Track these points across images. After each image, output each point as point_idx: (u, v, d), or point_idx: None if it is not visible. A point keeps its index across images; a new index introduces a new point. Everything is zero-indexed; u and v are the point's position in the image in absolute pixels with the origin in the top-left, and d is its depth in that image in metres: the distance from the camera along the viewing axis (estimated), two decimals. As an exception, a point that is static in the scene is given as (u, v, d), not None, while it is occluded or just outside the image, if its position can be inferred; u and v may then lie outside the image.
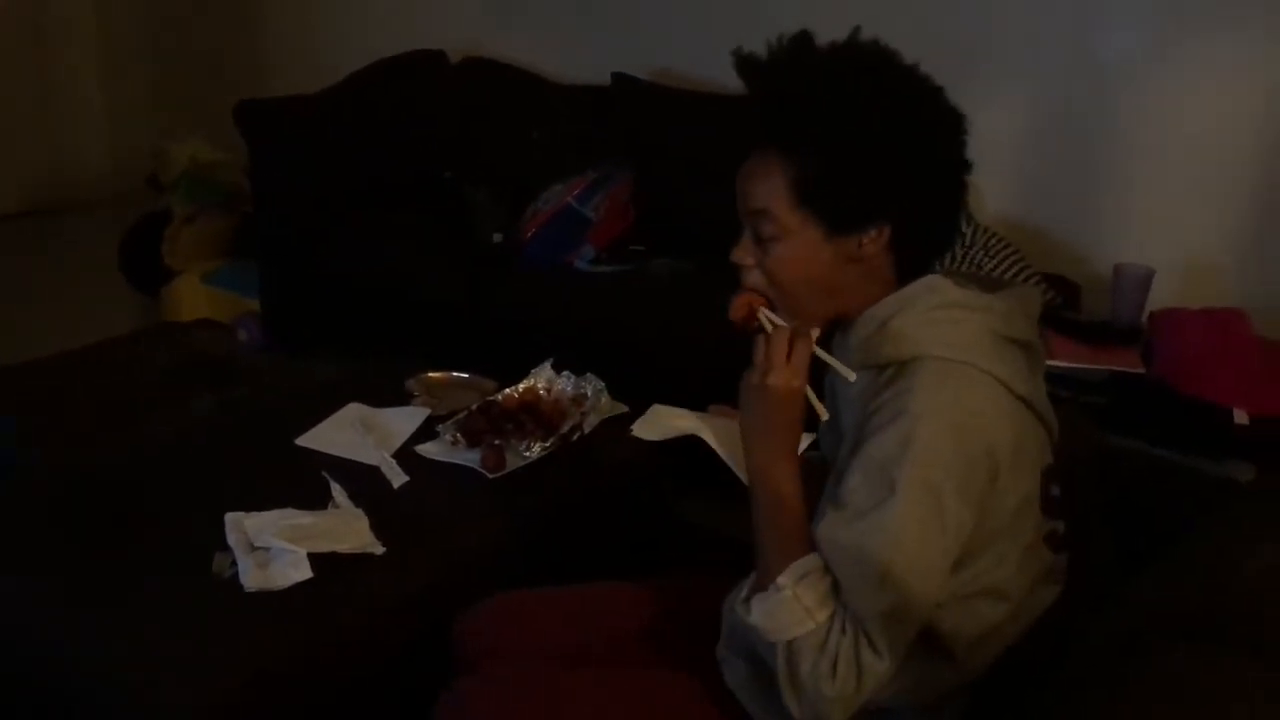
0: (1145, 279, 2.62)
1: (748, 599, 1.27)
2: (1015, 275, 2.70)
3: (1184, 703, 0.88)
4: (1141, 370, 2.45)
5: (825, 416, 1.33)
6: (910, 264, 1.32)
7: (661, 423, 1.51)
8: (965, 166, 1.30)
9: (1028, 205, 3.02)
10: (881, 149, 1.24)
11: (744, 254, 1.33)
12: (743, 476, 1.38)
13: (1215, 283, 2.76)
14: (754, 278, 1.33)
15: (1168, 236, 2.78)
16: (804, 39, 1.28)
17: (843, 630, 1.19)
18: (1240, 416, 2.30)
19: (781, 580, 1.22)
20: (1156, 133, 2.82)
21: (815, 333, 1.32)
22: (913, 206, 1.28)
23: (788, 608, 1.21)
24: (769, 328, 1.32)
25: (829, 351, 1.34)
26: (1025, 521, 1.30)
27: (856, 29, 1.31)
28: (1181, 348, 2.44)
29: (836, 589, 1.21)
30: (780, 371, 1.27)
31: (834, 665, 1.18)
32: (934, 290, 1.30)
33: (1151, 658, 0.96)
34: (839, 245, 1.28)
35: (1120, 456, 1.50)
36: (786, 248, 1.29)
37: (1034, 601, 1.33)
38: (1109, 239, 2.87)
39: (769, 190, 1.28)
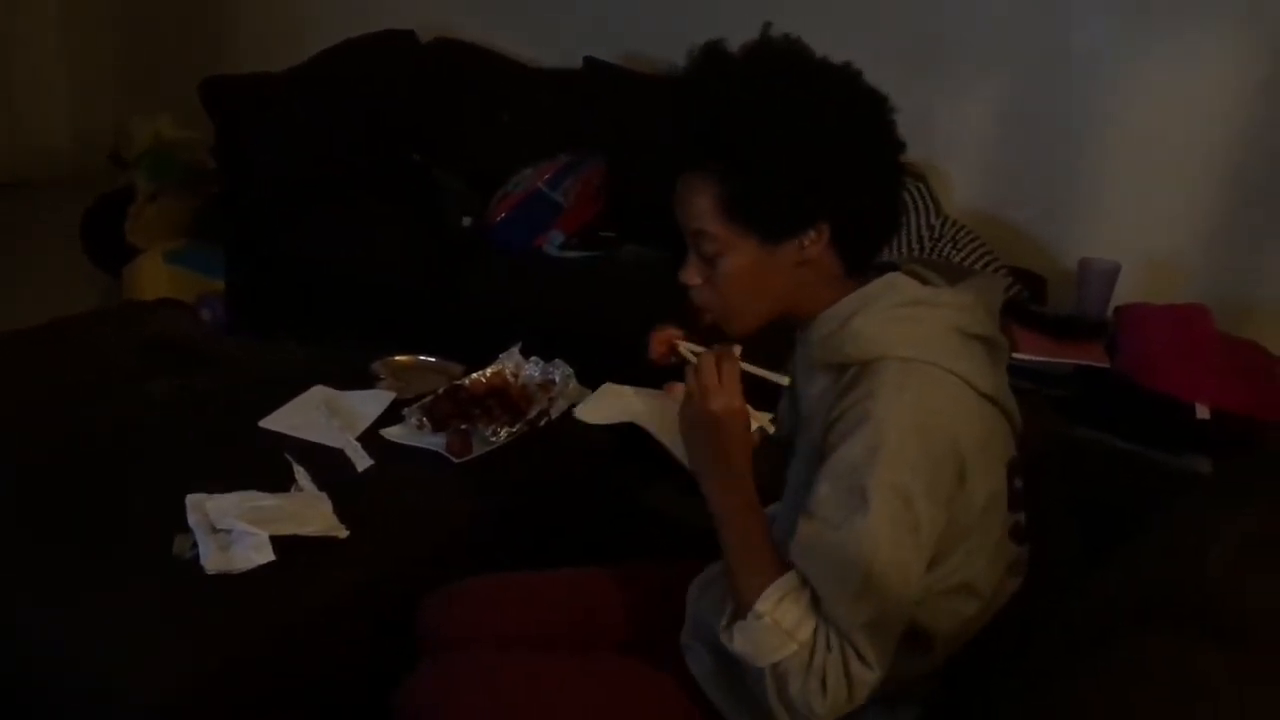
0: (1111, 273, 2.64)
1: (729, 625, 1.26)
2: (983, 268, 2.71)
3: (1154, 689, 0.89)
4: (1106, 364, 2.47)
5: (785, 381, 1.33)
6: (856, 256, 1.32)
7: (606, 405, 1.50)
8: (896, 147, 1.29)
9: (995, 199, 3.04)
10: (801, 150, 1.23)
11: (691, 274, 1.33)
12: (684, 460, 1.36)
13: (1180, 278, 2.78)
14: (704, 296, 1.33)
15: (1134, 232, 2.81)
16: (713, 50, 1.28)
17: (828, 646, 1.19)
18: (1202, 411, 2.33)
19: (760, 607, 1.21)
20: (1124, 129, 2.84)
21: (737, 349, 1.32)
22: (846, 200, 1.27)
23: (768, 634, 1.20)
24: (692, 359, 1.32)
25: (790, 351, 1.34)
26: (993, 517, 1.31)
27: (767, 25, 1.30)
28: (1145, 342, 2.46)
29: (816, 603, 1.21)
30: (717, 395, 1.26)
31: (823, 682, 1.18)
32: (894, 288, 1.30)
33: (1118, 646, 0.97)
34: (780, 252, 1.28)
35: (1083, 448, 1.51)
36: (729, 262, 1.29)
37: (1000, 593, 1.34)
38: (1075, 233, 2.90)
39: (701, 209, 1.28)
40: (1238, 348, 2.54)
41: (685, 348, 1.35)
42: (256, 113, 3.37)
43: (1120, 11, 2.81)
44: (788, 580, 1.22)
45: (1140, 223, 2.82)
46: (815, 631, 1.19)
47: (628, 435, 1.66)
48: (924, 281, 1.34)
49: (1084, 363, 2.45)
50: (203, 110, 3.35)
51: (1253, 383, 2.43)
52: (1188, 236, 2.79)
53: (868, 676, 1.18)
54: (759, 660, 1.21)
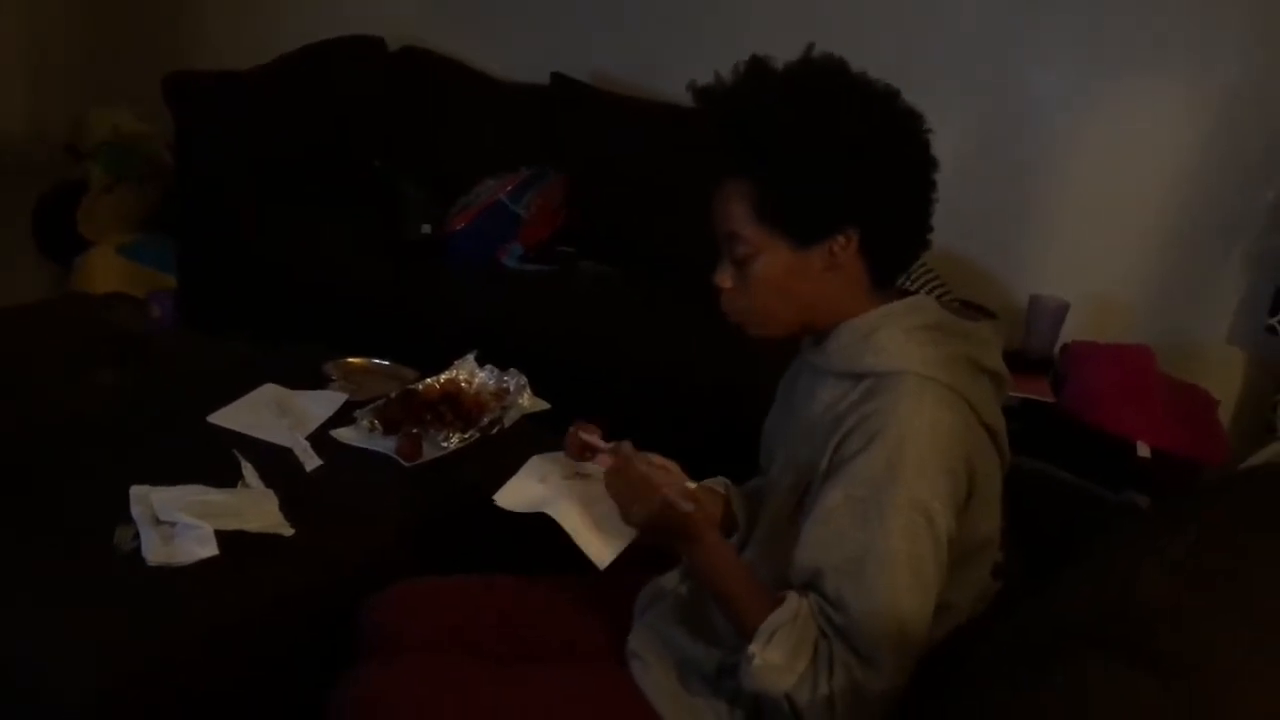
0: (1059, 311, 2.69)
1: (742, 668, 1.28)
2: (938, 296, 2.75)
3: (1083, 713, 0.91)
4: (1051, 399, 2.52)
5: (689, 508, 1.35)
6: (884, 269, 1.35)
7: (524, 491, 1.52)
8: (928, 165, 1.32)
9: (950, 232, 3.03)
10: (833, 155, 1.26)
11: (724, 277, 1.36)
12: (593, 557, 1.42)
13: (1126, 319, 2.84)
14: (734, 299, 1.36)
15: (1083, 271, 2.86)
16: (758, 64, 1.31)
17: (830, 668, 1.21)
18: (1143, 450, 2.38)
19: (751, 649, 1.24)
20: (1077, 170, 2.90)
21: (627, 443, 1.40)
22: (876, 207, 1.29)
23: (763, 673, 1.22)
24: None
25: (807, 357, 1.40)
26: (988, 553, 1.35)
27: (810, 46, 1.33)
28: (1091, 380, 2.51)
29: (823, 622, 1.23)
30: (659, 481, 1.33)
31: (830, 704, 1.20)
32: (920, 309, 1.33)
33: (1054, 672, 0.98)
34: (810, 256, 1.30)
35: (1026, 479, 1.53)
36: (760, 265, 1.31)
37: (969, 617, 1.36)
38: (1026, 270, 2.95)
39: (736, 213, 1.31)
40: (1180, 390, 2.60)
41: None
42: (218, 109, 3.35)
43: (1076, 58, 2.87)
44: (777, 616, 1.24)
45: (1089, 263, 2.88)
46: (814, 658, 1.21)
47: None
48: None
49: (1029, 396, 2.49)
50: (163, 105, 3.32)
51: (1193, 425, 2.49)
52: (1135, 278, 2.85)
53: (879, 686, 1.20)
54: (772, 692, 1.23)
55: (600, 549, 1.42)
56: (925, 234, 1.37)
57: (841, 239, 1.29)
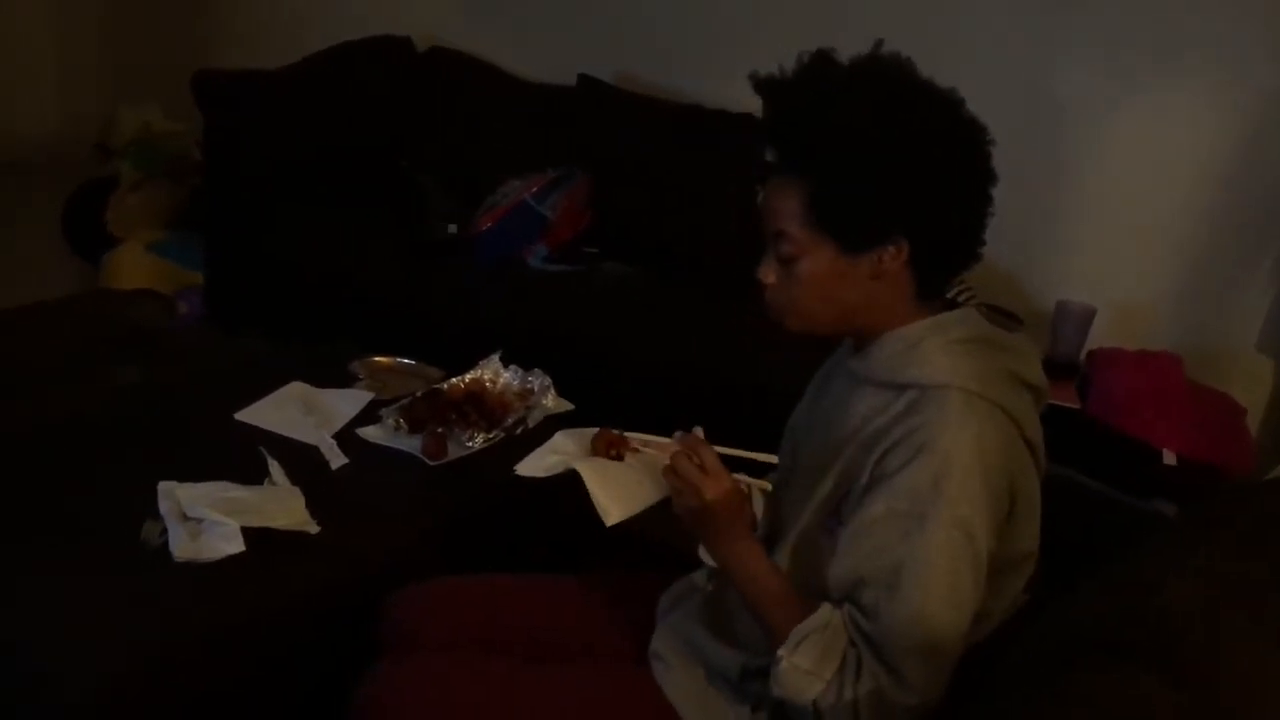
0: (1086, 316, 2.67)
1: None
2: (964, 303, 2.74)
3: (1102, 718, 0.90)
4: (1077, 406, 2.50)
5: (771, 459, 1.37)
6: (931, 280, 1.32)
7: (547, 460, 1.54)
8: (987, 178, 1.29)
9: None
10: (892, 165, 1.23)
11: (767, 273, 1.33)
12: (601, 511, 1.43)
13: (1153, 325, 2.82)
14: (776, 296, 1.34)
15: (1110, 277, 2.84)
16: (822, 57, 1.28)
17: (856, 677, 1.20)
18: (1169, 458, 2.36)
19: (780, 652, 1.24)
20: (1105, 175, 2.88)
21: (698, 430, 1.38)
22: (930, 220, 1.27)
23: (790, 677, 1.23)
24: (644, 449, 1.43)
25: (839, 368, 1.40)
26: (1025, 567, 1.34)
27: (879, 42, 1.31)
28: (1117, 387, 2.50)
29: (838, 640, 1.22)
30: (711, 484, 1.31)
31: (855, 710, 1.19)
32: (968, 322, 1.31)
33: (1071, 675, 0.98)
34: (857, 263, 1.28)
35: (1051, 485, 1.53)
36: (805, 266, 1.29)
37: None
38: (1053, 275, 2.93)
39: (786, 211, 1.28)
40: (1207, 398, 2.58)
41: (636, 439, 1.43)
42: (247, 108, 3.37)
43: (1104, 62, 2.85)
44: (808, 623, 1.24)
45: (1117, 268, 2.86)
46: (842, 666, 1.21)
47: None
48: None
49: (1055, 403, 2.47)
50: (193, 103, 3.35)
51: (1220, 433, 2.47)
52: (1162, 284, 2.83)
53: (907, 701, 1.19)
54: (796, 701, 1.23)
55: (610, 507, 1.44)
56: (977, 249, 1.34)
57: (892, 249, 1.26)
